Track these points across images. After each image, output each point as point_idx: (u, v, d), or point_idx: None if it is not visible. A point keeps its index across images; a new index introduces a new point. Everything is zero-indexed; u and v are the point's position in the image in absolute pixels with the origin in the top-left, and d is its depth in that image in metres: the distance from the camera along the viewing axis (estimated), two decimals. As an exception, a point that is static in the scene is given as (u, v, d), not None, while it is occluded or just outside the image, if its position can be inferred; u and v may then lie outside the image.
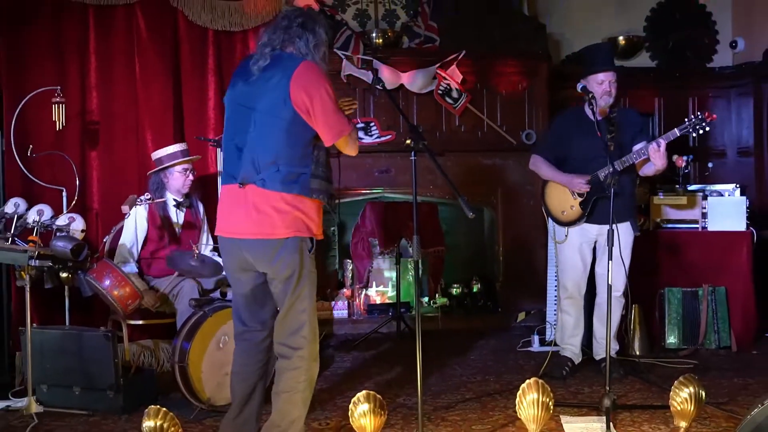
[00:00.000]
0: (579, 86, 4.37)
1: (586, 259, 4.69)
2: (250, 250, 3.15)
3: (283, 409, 3.16)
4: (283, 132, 3.09)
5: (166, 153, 4.81)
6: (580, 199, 4.56)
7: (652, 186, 5.88)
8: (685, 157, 5.89)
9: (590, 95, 4.14)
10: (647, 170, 4.53)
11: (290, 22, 3.22)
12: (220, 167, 5.31)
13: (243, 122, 3.18)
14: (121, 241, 4.72)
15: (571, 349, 4.75)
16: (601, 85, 4.48)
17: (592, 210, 4.54)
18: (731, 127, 7.22)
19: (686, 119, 4.33)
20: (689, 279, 5.48)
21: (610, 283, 3.85)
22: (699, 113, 4.32)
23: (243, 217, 3.14)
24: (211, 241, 4.97)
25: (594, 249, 4.70)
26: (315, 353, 3.22)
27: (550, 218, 4.80)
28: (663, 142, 4.29)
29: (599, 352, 4.70)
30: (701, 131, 4.31)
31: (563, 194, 4.64)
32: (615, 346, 4.75)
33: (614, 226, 3.83)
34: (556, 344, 4.90)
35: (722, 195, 5.61)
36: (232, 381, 3.38)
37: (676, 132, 4.32)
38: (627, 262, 4.39)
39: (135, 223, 4.72)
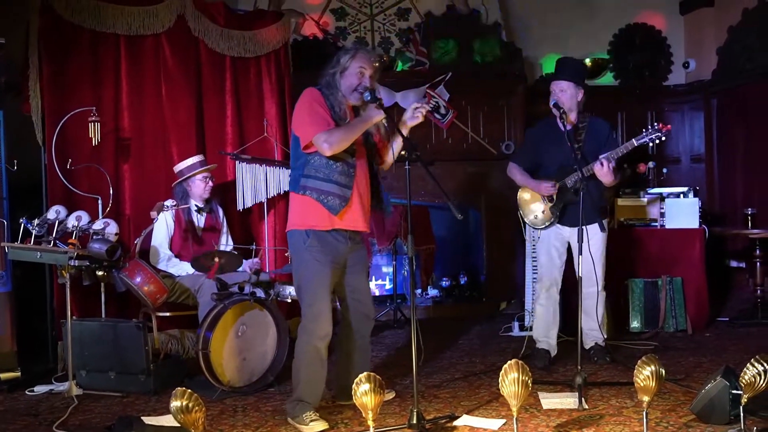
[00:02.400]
0: (551, 102, 4.26)
1: (560, 257, 4.49)
2: None
3: (292, 372, 3.46)
4: (292, 147, 3.52)
5: (185, 165, 4.80)
6: (550, 204, 4.41)
7: (616, 189, 5.87)
8: (651, 164, 5.87)
9: (561, 110, 4.08)
10: (604, 181, 4.28)
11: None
12: (235, 176, 5.29)
13: None
14: (155, 243, 4.71)
15: (549, 342, 4.50)
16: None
17: (563, 213, 4.39)
18: (685, 137, 7.25)
19: (644, 130, 4.15)
20: (650, 270, 5.47)
21: (580, 275, 3.85)
22: (656, 124, 4.14)
23: None
24: (231, 242, 4.95)
25: (569, 249, 4.47)
26: (313, 330, 3.38)
27: (524, 221, 4.65)
28: (605, 162, 4.06)
29: (587, 341, 4.49)
30: (658, 141, 4.13)
31: (535, 200, 4.50)
32: (603, 335, 4.52)
33: (585, 227, 3.79)
34: (530, 329, 4.70)
35: (678, 197, 5.61)
36: None
37: (634, 142, 4.13)
38: (601, 260, 4.29)
39: (166, 226, 4.71)
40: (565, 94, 4.29)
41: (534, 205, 4.51)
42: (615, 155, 4.14)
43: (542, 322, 4.53)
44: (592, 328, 4.44)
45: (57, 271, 4.49)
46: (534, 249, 4.67)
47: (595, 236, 4.24)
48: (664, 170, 6.20)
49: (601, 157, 4.12)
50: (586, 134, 4.36)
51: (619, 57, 7.16)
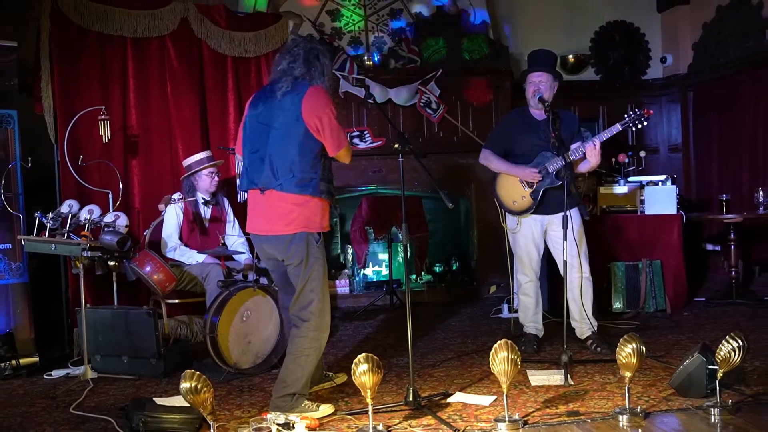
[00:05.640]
0: (537, 96, 4.10)
1: (539, 246, 4.31)
2: (269, 244, 3.25)
3: (289, 368, 3.20)
4: (297, 145, 3.14)
5: (194, 160, 4.79)
6: (530, 190, 4.19)
7: (598, 178, 5.87)
8: (629, 153, 5.84)
9: (546, 103, 3.98)
10: (582, 168, 4.23)
11: (307, 54, 3.25)
12: (238, 171, 5.28)
13: (262, 137, 3.22)
14: (166, 233, 4.70)
15: (535, 326, 4.37)
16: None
17: (541, 201, 4.18)
18: (662, 128, 7.26)
19: (626, 115, 4.03)
20: (631, 254, 5.48)
21: (565, 259, 3.79)
22: (637, 110, 4.03)
23: (263, 217, 3.22)
24: (240, 231, 4.91)
25: (546, 238, 4.31)
26: (323, 325, 3.25)
27: (502, 208, 4.37)
28: (598, 142, 3.99)
29: (582, 332, 4.27)
30: (640, 126, 4.02)
31: (514, 186, 4.24)
32: (595, 323, 4.25)
33: (568, 212, 3.77)
34: (516, 311, 4.54)
35: (656, 184, 5.61)
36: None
37: (618, 126, 4.00)
38: (584, 243, 4.17)
39: (176, 216, 4.70)
40: (544, 85, 4.17)
41: (513, 192, 4.27)
42: (601, 138, 4.06)
43: (528, 309, 4.40)
44: (583, 318, 4.21)
45: (71, 262, 4.50)
46: (513, 239, 4.40)
47: (577, 221, 4.17)
48: (627, 160, 6.10)
49: (593, 138, 4.04)
50: (560, 124, 4.15)
51: (600, 53, 7.15)
